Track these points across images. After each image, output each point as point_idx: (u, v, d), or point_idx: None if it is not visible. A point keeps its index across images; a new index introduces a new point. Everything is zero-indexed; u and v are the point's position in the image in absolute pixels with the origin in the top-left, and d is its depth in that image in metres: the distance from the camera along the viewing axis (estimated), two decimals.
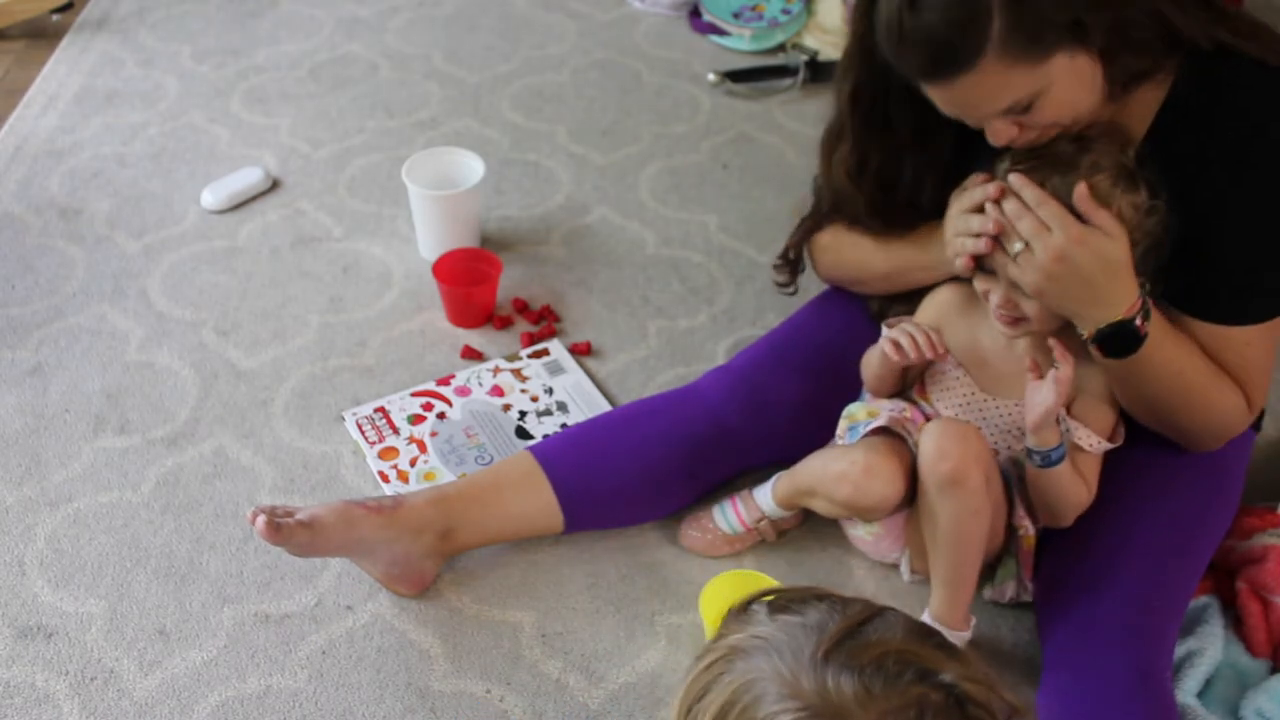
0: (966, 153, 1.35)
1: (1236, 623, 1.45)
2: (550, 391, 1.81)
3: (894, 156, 1.42)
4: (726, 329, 1.93)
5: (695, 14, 2.71)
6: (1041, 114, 1.22)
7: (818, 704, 0.74)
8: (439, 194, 1.95)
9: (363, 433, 1.73)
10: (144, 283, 1.99)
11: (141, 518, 1.62)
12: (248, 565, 1.56)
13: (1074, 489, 1.37)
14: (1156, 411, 1.36)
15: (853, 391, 1.54)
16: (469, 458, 1.70)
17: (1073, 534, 1.41)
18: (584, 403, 1.78)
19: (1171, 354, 1.29)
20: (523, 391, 1.81)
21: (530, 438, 1.73)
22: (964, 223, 1.30)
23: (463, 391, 1.80)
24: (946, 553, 1.38)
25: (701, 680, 0.81)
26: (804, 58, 2.51)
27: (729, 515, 1.56)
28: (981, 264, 1.31)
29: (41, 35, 2.65)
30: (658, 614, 1.52)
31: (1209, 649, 1.39)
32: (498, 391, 1.81)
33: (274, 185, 2.21)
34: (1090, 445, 1.37)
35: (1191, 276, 1.30)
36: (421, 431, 1.74)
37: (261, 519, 1.36)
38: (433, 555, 1.49)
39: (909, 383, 1.50)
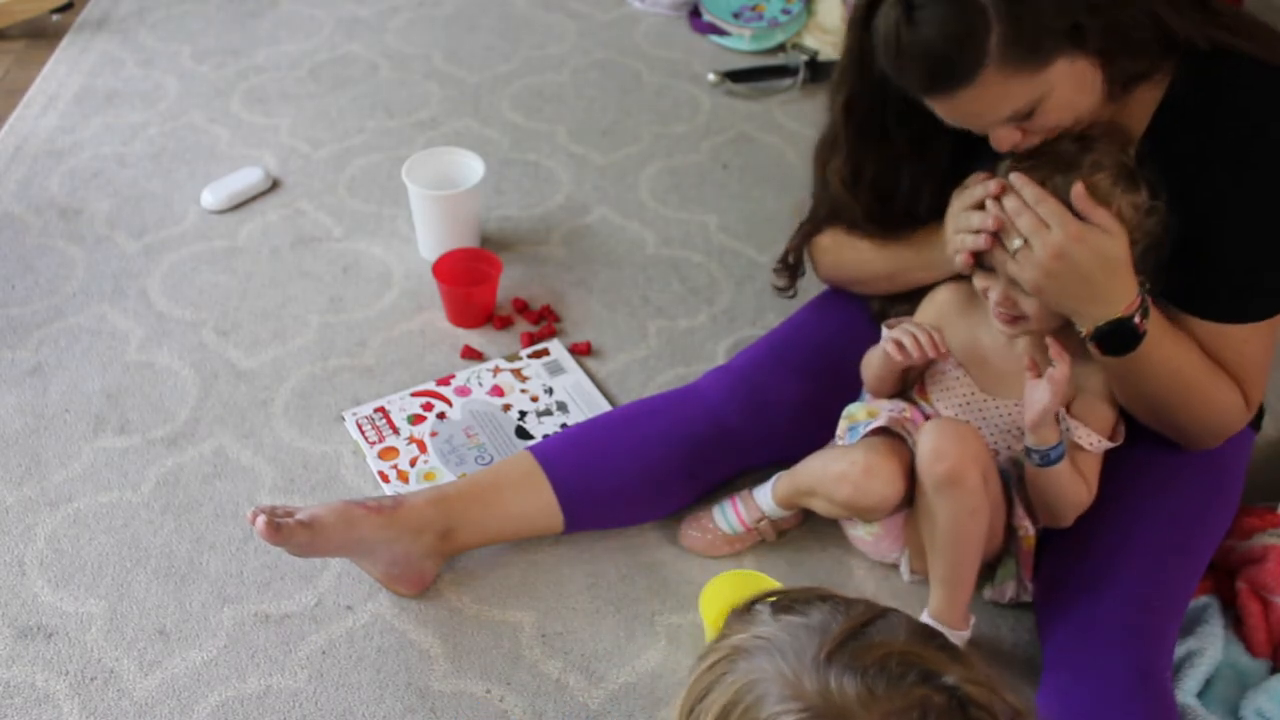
0: (964, 160, 1.35)
1: (1236, 623, 1.45)
2: (550, 391, 1.81)
3: (890, 166, 1.43)
4: (726, 329, 1.93)
5: (695, 14, 2.71)
6: (1044, 119, 1.23)
7: (820, 705, 0.74)
8: (439, 194, 1.95)
9: (363, 433, 1.73)
10: (144, 283, 1.99)
11: (141, 518, 1.62)
12: (248, 565, 1.56)
13: (1074, 488, 1.37)
14: (1155, 409, 1.36)
15: (853, 392, 1.54)
16: (469, 458, 1.70)
17: (1072, 534, 1.41)
18: (584, 403, 1.78)
19: (1170, 351, 1.29)
20: (523, 391, 1.81)
21: (530, 438, 1.73)
22: (964, 220, 1.30)
23: (463, 391, 1.80)
24: (945, 552, 1.38)
25: (704, 680, 0.81)
26: (804, 58, 2.51)
27: (729, 515, 1.56)
28: (981, 261, 1.31)
29: (41, 35, 2.65)
30: (658, 614, 1.52)
31: (1209, 649, 1.39)
32: (498, 391, 1.81)
33: (274, 185, 2.21)
34: (1090, 444, 1.37)
35: (1191, 276, 1.30)
36: (421, 431, 1.74)
37: (261, 519, 1.36)
38: (433, 555, 1.49)
39: (909, 383, 1.50)
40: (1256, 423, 1.50)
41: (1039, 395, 1.31)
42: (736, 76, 2.48)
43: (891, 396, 1.49)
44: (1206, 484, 1.43)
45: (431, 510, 1.48)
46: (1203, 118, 1.27)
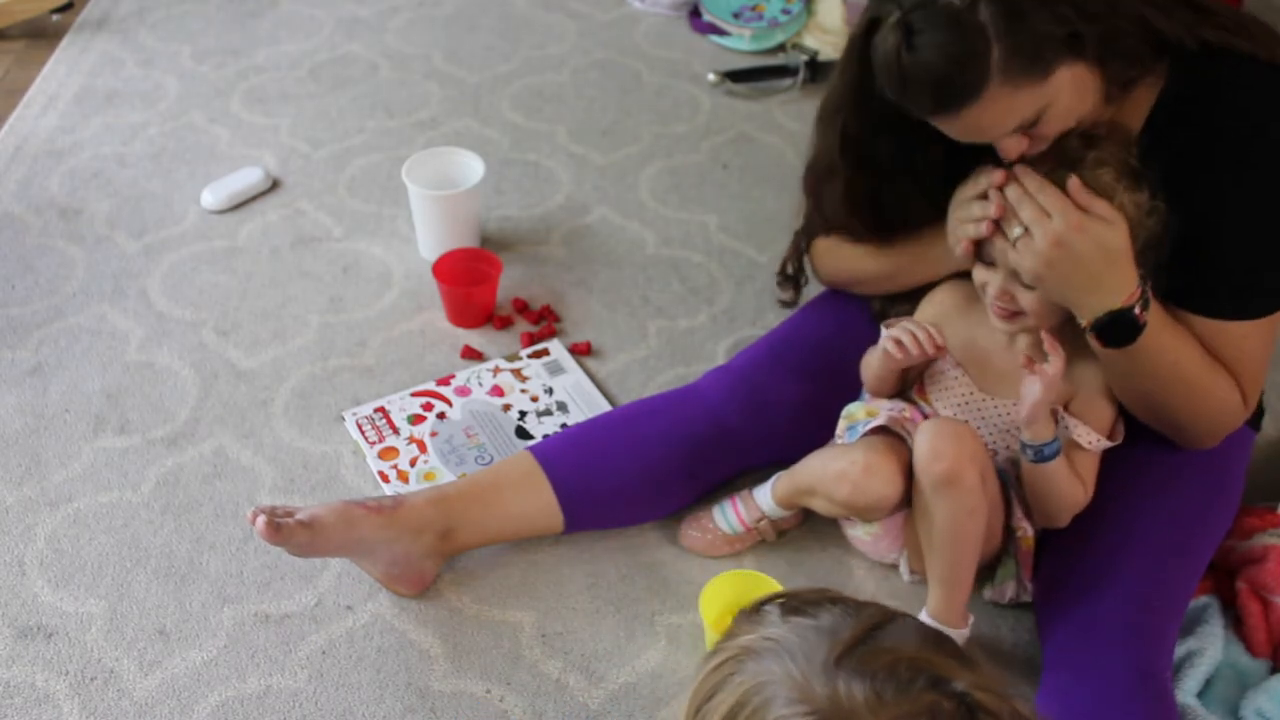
0: (958, 165, 1.36)
1: (1236, 623, 1.45)
2: (550, 391, 1.81)
3: (887, 185, 1.43)
4: (726, 329, 1.93)
5: (695, 14, 2.71)
6: (1049, 126, 1.23)
7: (828, 709, 0.74)
8: (439, 194, 1.95)
9: (363, 433, 1.73)
10: (144, 283, 1.99)
11: (141, 518, 1.62)
12: (248, 565, 1.56)
13: (1069, 487, 1.37)
14: (1153, 406, 1.36)
15: (852, 391, 1.54)
16: (469, 458, 1.70)
17: (1072, 533, 1.41)
18: (584, 403, 1.78)
19: (1170, 345, 1.29)
20: (523, 391, 1.81)
21: (530, 438, 1.73)
22: (966, 210, 1.31)
23: (463, 391, 1.80)
24: (943, 552, 1.38)
25: (711, 680, 0.80)
26: (804, 58, 2.51)
27: (729, 515, 1.56)
28: (981, 254, 1.32)
29: (41, 35, 2.65)
30: (658, 614, 1.52)
31: (1209, 649, 1.39)
32: (498, 391, 1.81)
33: (274, 185, 2.21)
34: (1089, 443, 1.37)
35: (1191, 275, 1.30)
36: (421, 431, 1.74)
37: (261, 519, 1.36)
38: (433, 555, 1.49)
39: (908, 383, 1.50)
40: (1256, 423, 1.51)
41: (1032, 389, 1.32)
42: (736, 76, 2.48)
43: (891, 397, 1.49)
44: (1207, 484, 1.43)
45: (431, 510, 1.48)
46: (1202, 117, 1.28)
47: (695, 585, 1.50)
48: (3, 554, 1.57)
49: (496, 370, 1.84)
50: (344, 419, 1.76)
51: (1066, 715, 1.28)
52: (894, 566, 1.55)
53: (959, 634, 1.41)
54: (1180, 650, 1.40)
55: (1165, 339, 1.29)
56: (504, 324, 1.93)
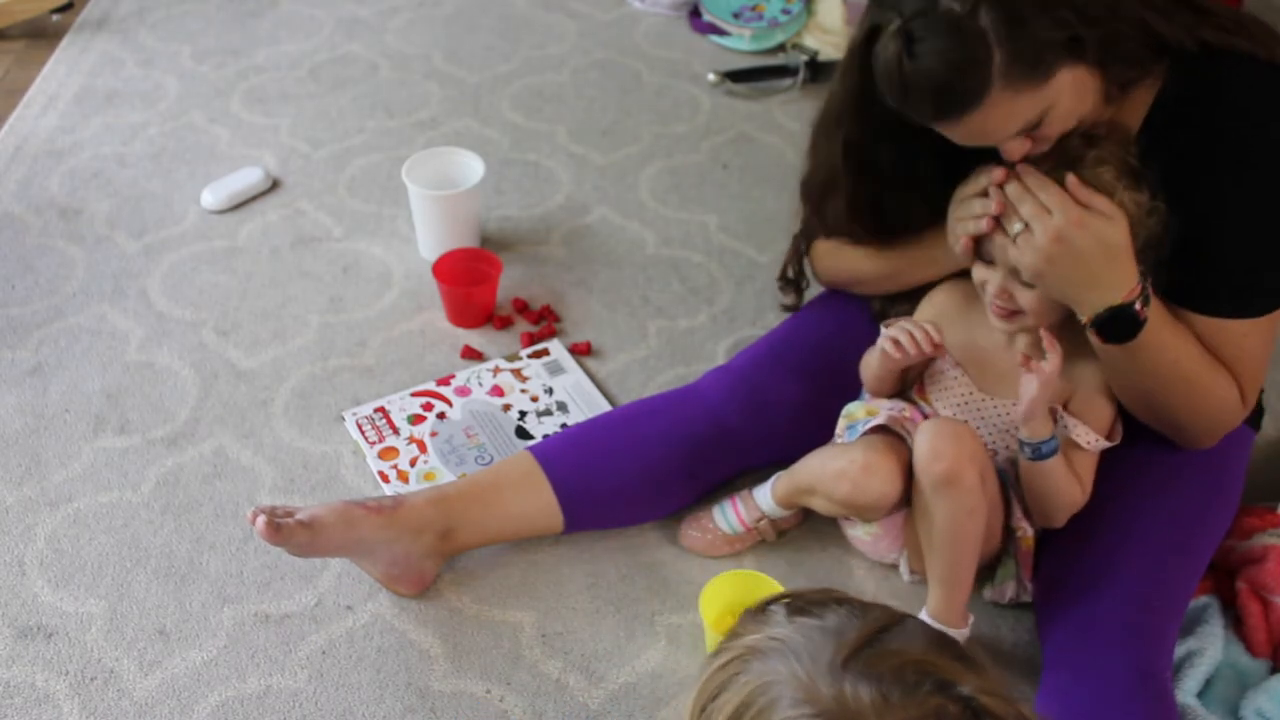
0: (955, 166, 1.36)
1: (1236, 623, 1.45)
2: (550, 391, 1.81)
3: (891, 193, 1.43)
4: (726, 329, 1.93)
5: (695, 14, 2.71)
6: (1051, 127, 1.24)
7: (834, 710, 0.74)
8: (439, 194, 1.95)
9: (363, 433, 1.73)
10: (144, 283, 1.99)
11: (141, 518, 1.62)
12: (248, 565, 1.56)
13: (1067, 487, 1.37)
14: (1152, 404, 1.36)
15: (852, 392, 1.54)
16: (469, 458, 1.70)
17: (1072, 533, 1.41)
18: (584, 403, 1.78)
19: (1170, 342, 1.29)
20: (523, 391, 1.81)
21: (530, 438, 1.73)
22: (967, 207, 1.31)
23: (463, 391, 1.80)
24: (942, 552, 1.38)
25: (716, 679, 0.80)
26: (804, 58, 2.51)
27: (729, 515, 1.56)
28: (980, 252, 1.32)
29: (41, 35, 2.65)
30: (658, 614, 1.52)
31: (1209, 649, 1.39)
32: (498, 391, 1.81)
33: (274, 185, 2.21)
34: (1088, 443, 1.37)
35: (1191, 275, 1.30)
36: (421, 431, 1.74)
37: (261, 519, 1.36)
38: (433, 555, 1.49)
39: (908, 383, 1.50)
40: (1256, 422, 1.51)
41: (1029, 386, 1.32)
42: (736, 76, 2.48)
43: (891, 397, 1.49)
44: (1206, 484, 1.43)
45: (431, 510, 1.48)
46: (1201, 117, 1.28)
47: (695, 585, 1.50)
48: (3, 554, 1.57)
49: (496, 370, 1.84)
50: (344, 419, 1.76)
51: (1066, 715, 1.28)
52: (894, 566, 1.55)
53: (959, 634, 1.41)
54: (1180, 650, 1.40)
55: (1165, 336, 1.29)
56: (504, 324, 1.93)
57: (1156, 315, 1.27)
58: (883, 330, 1.43)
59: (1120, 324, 1.26)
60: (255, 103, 2.42)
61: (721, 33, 2.64)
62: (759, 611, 0.84)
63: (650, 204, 2.18)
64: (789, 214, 1.60)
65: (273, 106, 2.41)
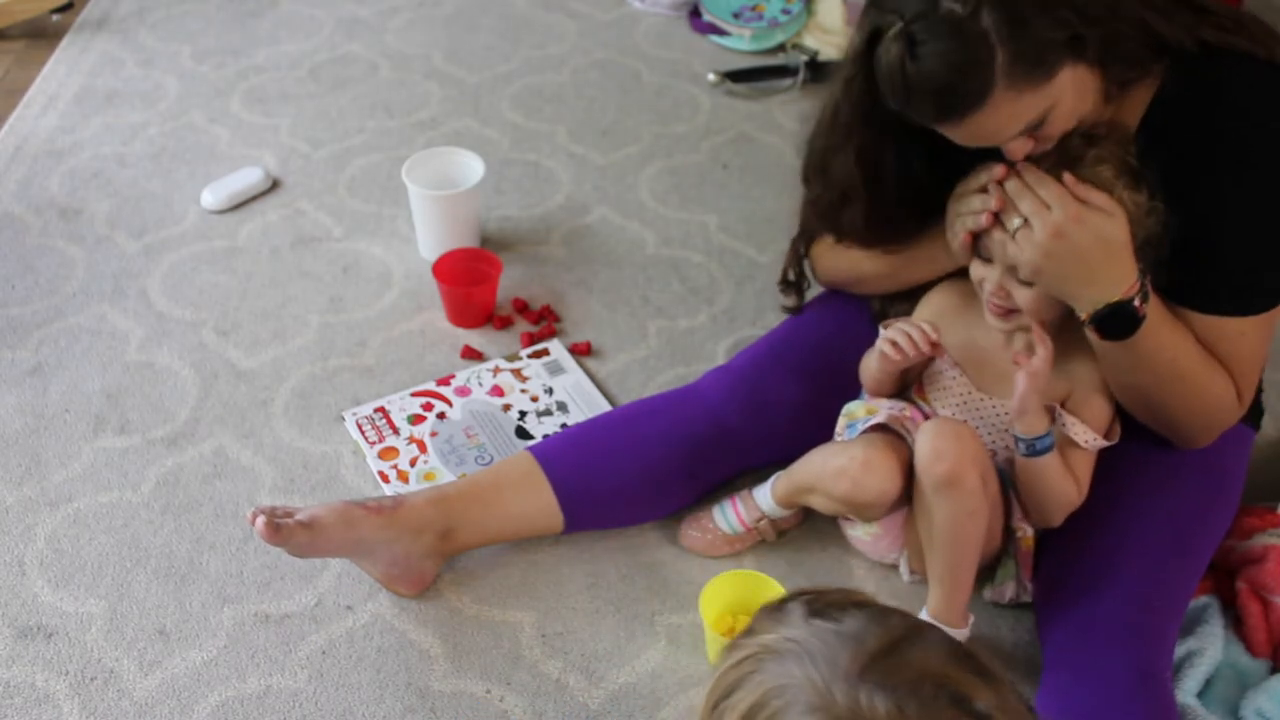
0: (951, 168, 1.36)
1: (1236, 623, 1.45)
2: (550, 391, 1.81)
3: (907, 198, 1.42)
4: (726, 329, 1.93)
5: (695, 14, 2.71)
6: (1053, 126, 1.24)
7: (848, 719, 0.73)
8: (439, 194, 1.95)
9: (363, 433, 1.73)
10: (144, 283, 1.99)
11: (141, 518, 1.62)
12: (248, 565, 1.56)
13: (1062, 485, 1.37)
14: (1150, 402, 1.36)
15: (852, 392, 1.54)
16: (469, 458, 1.70)
17: (1072, 533, 1.41)
18: (584, 403, 1.78)
19: (1168, 339, 1.29)
20: (523, 391, 1.81)
21: (530, 438, 1.73)
22: (966, 203, 1.31)
23: (463, 391, 1.80)
24: (943, 553, 1.38)
25: (731, 676, 0.80)
26: (804, 58, 2.51)
27: (729, 515, 1.56)
28: (979, 250, 1.32)
29: (41, 35, 2.65)
30: (658, 614, 1.52)
31: (1209, 649, 1.39)
32: (498, 391, 1.81)
33: (274, 185, 2.21)
34: (1086, 441, 1.37)
35: (1190, 274, 1.30)
36: (421, 431, 1.74)
37: (261, 519, 1.36)
38: (433, 555, 1.49)
39: (907, 384, 1.50)
40: (1256, 422, 1.51)
41: (1018, 382, 1.32)
42: (736, 76, 2.48)
43: (890, 397, 1.49)
44: (1206, 484, 1.43)
45: (431, 510, 1.48)
46: (1201, 116, 1.28)
47: (695, 585, 1.50)
48: (3, 554, 1.57)
49: (496, 370, 1.84)
50: (344, 419, 1.76)
51: (1066, 715, 1.28)
52: (894, 566, 1.55)
53: (959, 634, 1.41)
54: (1180, 650, 1.40)
55: (1164, 334, 1.29)
56: (504, 324, 1.93)
57: (1155, 313, 1.27)
58: (881, 331, 1.43)
59: (1119, 321, 1.26)
60: (255, 103, 2.42)
61: (721, 33, 2.64)
62: (777, 609, 0.83)
63: (650, 204, 2.18)
64: (789, 214, 1.60)
65: (273, 106, 2.41)
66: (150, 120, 2.36)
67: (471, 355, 1.87)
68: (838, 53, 2.49)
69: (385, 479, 1.67)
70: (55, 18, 2.69)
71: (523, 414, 1.77)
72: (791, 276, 1.64)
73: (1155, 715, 1.28)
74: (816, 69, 2.49)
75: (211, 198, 2.14)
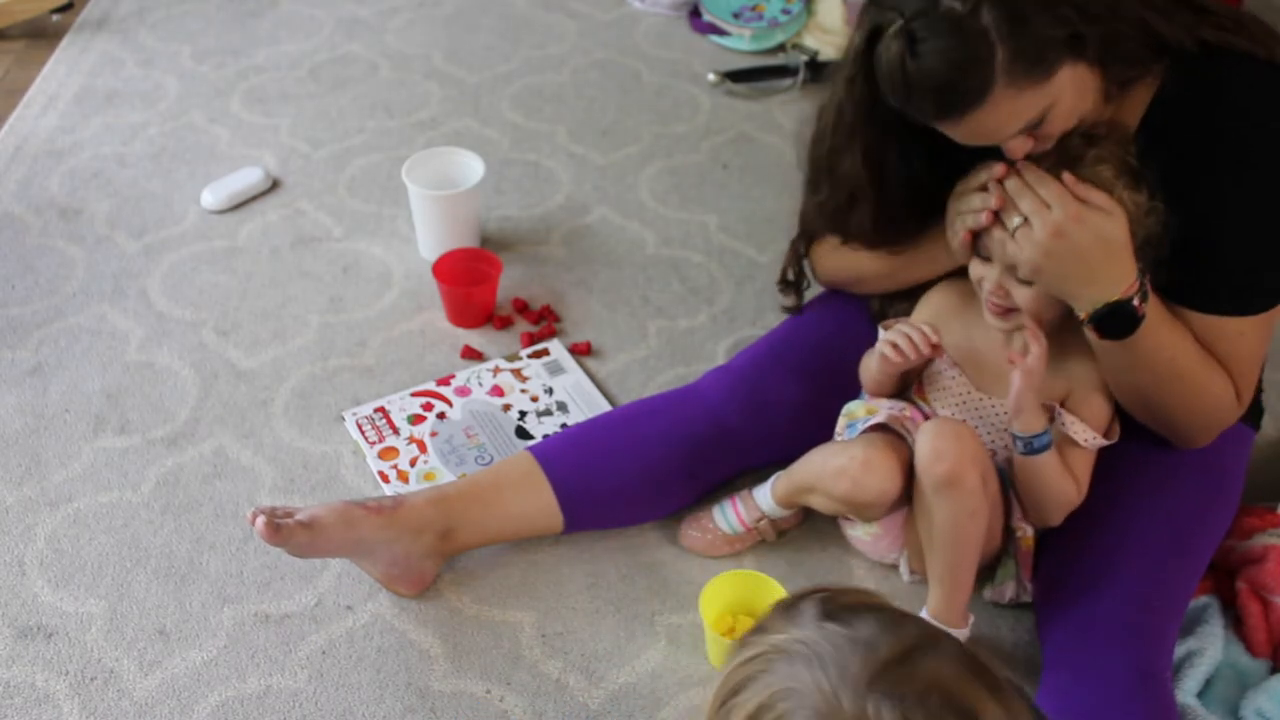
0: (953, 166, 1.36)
1: (1236, 623, 1.45)
2: (550, 391, 1.81)
3: (914, 196, 1.42)
4: (726, 329, 1.93)
5: (695, 14, 2.71)
6: (1053, 125, 1.24)
7: None
8: (439, 194, 1.95)
9: (363, 433, 1.73)
10: (144, 283, 1.99)
11: (141, 518, 1.62)
12: (248, 565, 1.56)
13: (1061, 484, 1.37)
14: (1149, 402, 1.36)
15: (852, 392, 1.54)
16: (469, 458, 1.70)
17: (1071, 533, 1.41)
18: (584, 403, 1.78)
19: (1166, 339, 1.29)
20: (523, 391, 1.81)
21: (530, 438, 1.73)
22: (966, 202, 1.31)
23: (463, 391, 1.80)
24: (943, 553, 1.38)
25: (739, 674, 0.79)
26: (804, 58, 2.51)
27: (729, 515, 1.56)
28: (978, 248, 1.32)
29: (41, 35, 2.65)
30: (658, 614, 1.52)
31: (1209, 649, 1.39)
32: (498, 391, 1.81)
33: (274, 185, 2.21)
34: (1085, 440, 1.37)
35: (1190, 274, 1.30)
36: (421, 431, 1.74)
37: (261, 520, 1.36)
38: (433, 555, 1.49)
39: (907, 384, 1.50)
40: (1256, 422, 1.51)
41: (1013, 379, 1.32)
42: (736, 76, 2.48)
43: (890, 397, 1.49)
44: (1206, 483, 1.43)
45: (431, 510, 1.48)
46: (1201, 116, 1.28)
47: (695, 585, 1.50)
48: (3, 554, 1.57)
49: (496, 370, 1.84)
50: (344, 419, 1.76)
51: (1066, 715, 1.28)
52: (894, 566, 1.55)
53: (959, 634, 1.41)
54: (1180, 650, 1.40)
55: (1163, 334, 1.29)
56: (504, 324, 1.93)
57: (1154, 312, 1.27)
58: (881, 333, 1.43)
59: (1118, 320, 1.26)
60: (255, 103, 2.42)
61: (721, 33, 2.64)
62: (790, 606, 0.82)
63: (650, 204, 2.18)
64: (789, 214, 1.60)
65: (273, 106, 2.41)
66: (150, 120, 2.36)
67: (471, 355, 1.87)
68: (837, 53, 2.49)
69: (385, 479, 1.67)
70: (55, 18, 2.69)
71: (523, 414, 1.77)
72: (791, 276, 1.64)
73: (1155, 715, 1.28)
74: (816, 69, 2.49)
75: (211, 198, 2.14)
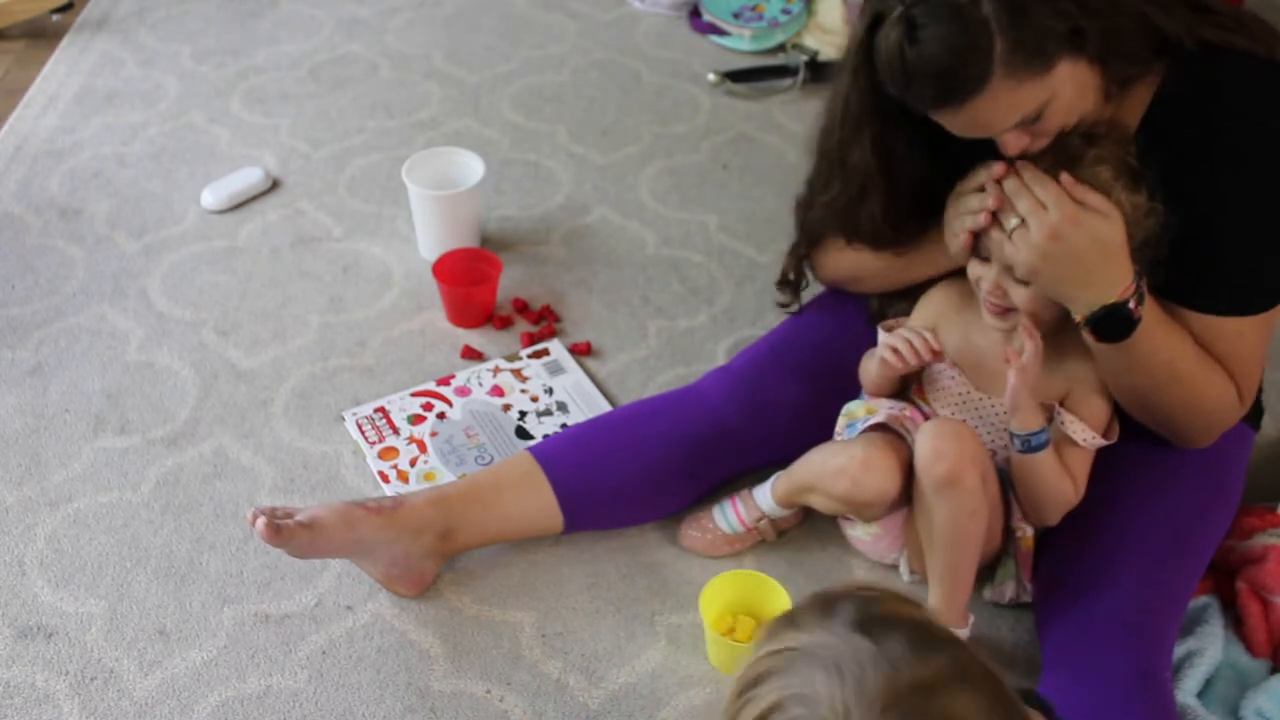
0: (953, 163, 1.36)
1: (1236, 623, 1.45)
2: (550, 391, 1.81)
3: (922, 187, 1.42)
4: (726, 329, 1.93)
5: (695, 14, 2.71)
6: (1050, 121, 1.24)
7: None
8: (439, 194, 1.95)
9: (363, 433, 1.73)
10: (144, 283, 1.99)
11: (141, 518, 1.62)
12: (248, 565, 1.56)
13: (1058, 483, 1.37)
14: (1148, 404, 1.36)
15: (852, 392, 1.54)
16: (469, 458, 1.70)
17: (1071, 533, 1.41)
18: (584, 403, 1.78)
19: (1164, 341, 1.29)
20: (523, 391, 1.81)
21: (530, 438, 1.73)
22: (964, 203, 1.31)
23: (463, 391, 1.80)
24: (943, 552, 1.38)
25: (762, 665, 0.78)
26: (804, 58, 2.51)
27: (729, 515, 1.56)
28: (977, 248, 1.32)
29: (41, 35, 2.65)
30: (658, 614, 1.52)
31: (1209, 649, 1.39)
32: (498, 391, 1.81)
33: (274, 185, 2.21)
34: (1084, 440, 1.37)
35: (1190, 273, 1.30)
36: (421, 431, 1.74)
37: (262, 520, 1.36)
38: (433, 555, 1.49)
39: (907, 385, 1.50)
40: (1256, 422, 1.51)
41: (1010, 377, 1.32)
42: (736, 76, 2.48)
43: (890, 398, 1.49)
44: (1206, 483, 1.43)
45: (432, 511, 1.48)
46: (1201, 115, 1.28)
47: (695, 585, 1.50)
48: (3, 554, 1.57)
49: (496, 370, 1.84)
50: (344, 419, 1.76)
51: (1066, 715, 1.28)
52: (894, 566, 1.55)
53: (959, 634, 1.41)
54: (1180, 650, 1.40)
55: (1160, 336, 1.29)
56: (504, 324, 1.93)
57: (1151, 315, 1.27)
58: (881, 336, 1.43)
59: (1114, 323, 1.26)
60: (255, 103, 2.42)
61: (721, 33, 2.64)
62: (828, 603, 0.79)
63: (650, 204, 2.18)
64: (789, 214, 1.59)
65: (273, 106, 2.41)
66: (150, 120, 2.36)
67: (471, 355, 1.87)
68: (838, 53, 2.49)
69: (385, 479, 1.67)
70: (55, 18, 2.69)
71: (523, 414, 1.77)
72: (791, 277, 1.64)
73: (1155, 715, 1.28)
74: (816, 69, 2.49)
75: (211, 198, 2.14)
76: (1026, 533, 1.42)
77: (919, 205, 1.41)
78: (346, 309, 1.96)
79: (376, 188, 2.21)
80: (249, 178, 2.18)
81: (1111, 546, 1.39)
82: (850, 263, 1.55)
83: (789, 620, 0.80)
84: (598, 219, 2.15)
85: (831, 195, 1.45)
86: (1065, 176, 1.23)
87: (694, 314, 1.96)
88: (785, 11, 2.62)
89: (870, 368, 1.47)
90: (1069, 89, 1.21)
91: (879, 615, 0.78)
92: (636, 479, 1.55)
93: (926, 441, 1.35)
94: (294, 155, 2.28)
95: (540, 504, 1.52)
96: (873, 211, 1.43)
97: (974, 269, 1.35)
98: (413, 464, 1.69)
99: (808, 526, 1.61)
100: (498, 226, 2.13)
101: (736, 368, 1.63)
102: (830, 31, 2.59)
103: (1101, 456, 1.40)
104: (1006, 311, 1.34)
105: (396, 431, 1.73)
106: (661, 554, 1.58)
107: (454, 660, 1.46)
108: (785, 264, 1.62)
